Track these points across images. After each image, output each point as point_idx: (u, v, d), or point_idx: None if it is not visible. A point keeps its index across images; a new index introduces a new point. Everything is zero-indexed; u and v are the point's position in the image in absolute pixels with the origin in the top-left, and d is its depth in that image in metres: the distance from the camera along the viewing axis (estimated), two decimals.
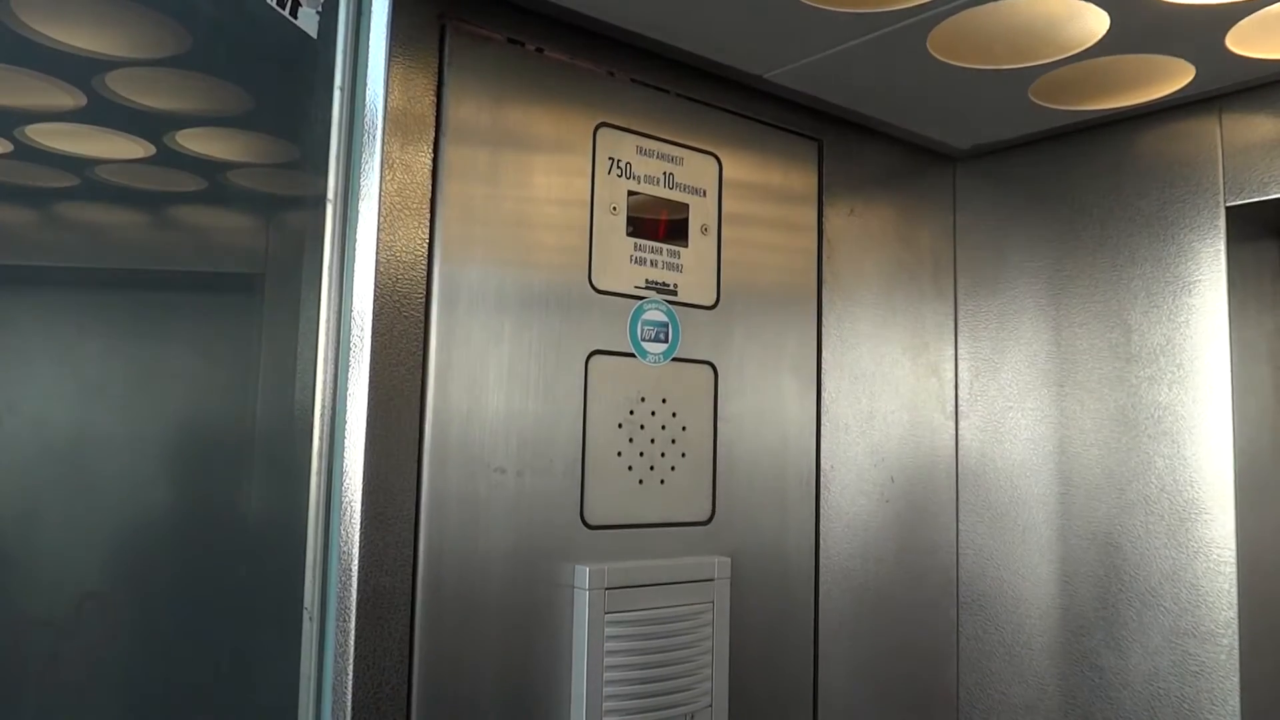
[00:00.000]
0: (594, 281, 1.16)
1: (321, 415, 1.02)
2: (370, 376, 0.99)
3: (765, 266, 1.35)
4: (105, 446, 1.01)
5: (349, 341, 1.01)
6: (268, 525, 1.08)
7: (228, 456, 1.09)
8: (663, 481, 1.21)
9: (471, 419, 1.06)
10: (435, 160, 1.05)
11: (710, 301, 1.28)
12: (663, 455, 1.21)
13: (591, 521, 1.14)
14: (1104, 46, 1.14)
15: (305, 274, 1.07)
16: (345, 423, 1.00)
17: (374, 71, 1.03)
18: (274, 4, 1.04)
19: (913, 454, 1.52)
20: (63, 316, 0.99)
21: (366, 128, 1.03)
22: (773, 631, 1.31)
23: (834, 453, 1.41)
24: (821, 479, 1.39)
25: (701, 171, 1.28)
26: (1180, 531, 1.30)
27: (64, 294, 1.00)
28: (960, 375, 1.58)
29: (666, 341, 1.22)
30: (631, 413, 1.18)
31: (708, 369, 1.27)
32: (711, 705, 1.18)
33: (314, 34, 1.07)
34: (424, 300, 1.04)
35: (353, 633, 0.96)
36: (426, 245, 1.04)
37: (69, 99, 0.99)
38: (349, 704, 0.95)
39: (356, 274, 1.02)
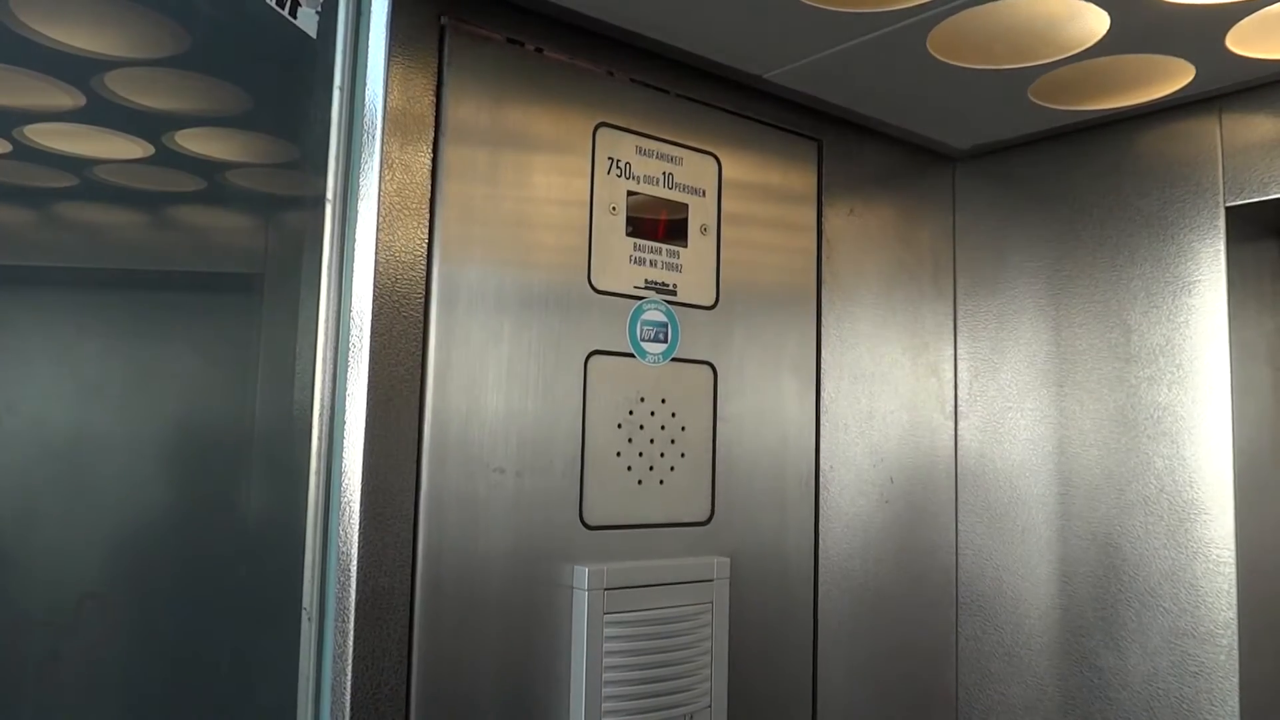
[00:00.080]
0: (593, 281, 1.16)
1: (320, 415, 1.02)
2: (369, 376, 0.99)
3: (765, 266, 1.35)
4: (104, 446, 1.01)
5: (348, 341, 1.01)
6: (267, 525, 1.08)
7: (227, 456, 1.09)
8: (662, 482, 1.21)
9: (471, 419, 1.05)
10: (434, 160, 1.05)
11: (710, 301, 1.28)
12: (662, 455, 1.21)
13: (591, 522, 1.14)
14: (1104, 46, 1.14)
15: (304, 274, 1.07)
16: (344, 423, 1.00)
17: (373, 71, 1.03)
18: (273, 4, 1.04)
19: (912, 454, 1.52)
20: (62, 316, 0.99)
21: (366, 128, 1.03)
22: (772, 632, 1.31)
23: (833, 453, 1.41)
24: (821, 479, 1.39)
25: (701, 171, 1.28)
26: (1180, 532, 1.30)
27: (63, 294, 1.00)
28: (960, 375, 1.58)
29: (666, 341, 1.22)
30: (631, 413, 1.18)
31: (707, 369, 1.27)
32: (711, 705, 1.18)
33: (313, 34, 1.07)
34: (423, 300, 1.04)
35: (351, 633, 0.96)
36: (426, 245, 1.04)
37: (68, 99, 0.99)
38: (348, 704, 0.95)
39: (356, 274, 1.02)
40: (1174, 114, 1.35)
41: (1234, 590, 1.24)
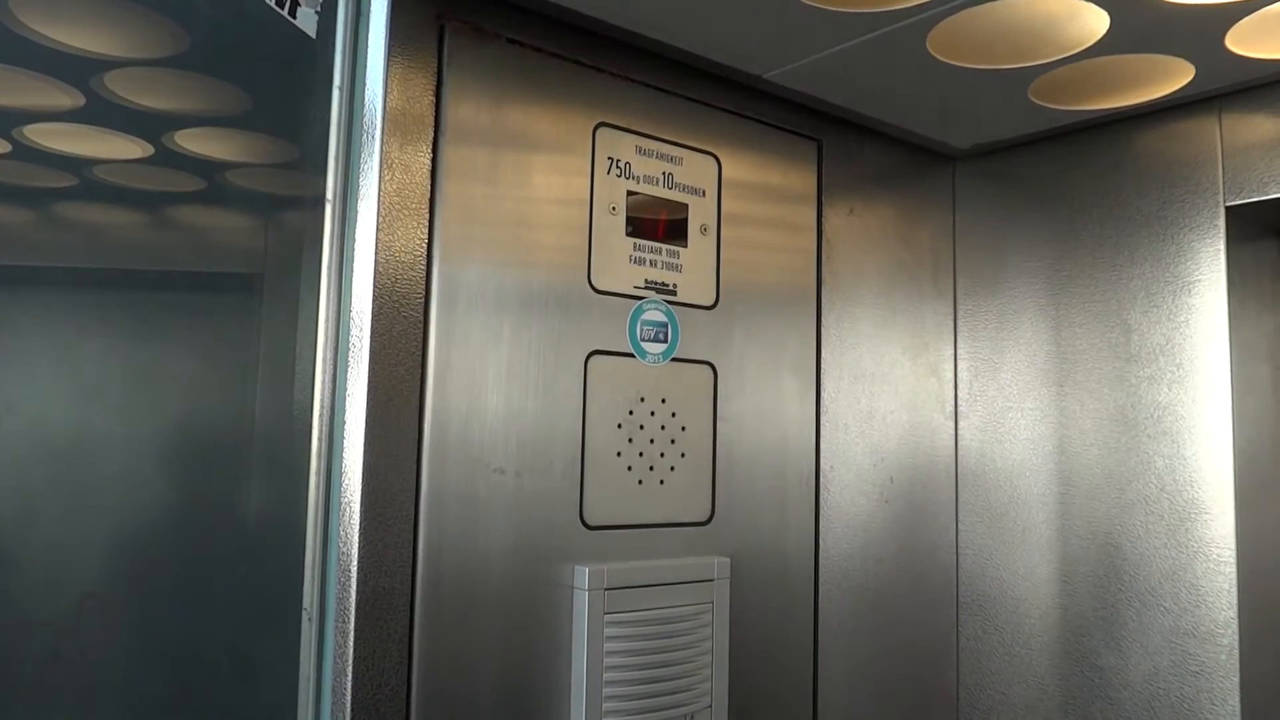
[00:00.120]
0: (593, 281, 1.16)
1: (320, 415, 1.02)
2: (369, 377, 0.99)
3: (765, 266, 1.35)
4: (104, 446, 1.01)
5: (348, 342, 1.01)
6: (267, 525, 1.08)
7: (226, 457, 1.09)
8: (662, 482, 1.21)
9: (471, 419, 1.05)
10: (434, 160, 1.05)
11: (710, 301, 1.28)
12: (662, 455, 1.21)
13: (591, 522, 1.14)
14: (1104, 46, 1.14)
15: (304, 274, 1.07)
16: (344, 423, 1.00)
17: (373, 71, 1.03)
18: (272, 4, 1.04)
19: (912, 454, 1.52)
20: (61, 316, 0.99)
21: (365, 128, 1.03)
22: (772, 632, 1.31)
23: (834, 453, 1.41)
24: (821, 479, 1.39)
25: (701, 171, 1.28)
26: (1180, 531, 1.30)
27: (62, 294, 1.00)
28: (960, 375, 1.58)
29: (666, 341, 1.22)
30: (631, 413, 1.18)
31: (707, 369, 1.27)
32: (711, 705, 1.18)
33: (313, 34, 1.07)
34: (423, 300, 1.04)
35: (352, 633, 0.96)
36: (425, 245, 1.04)
37: (67, 99, 0.99)
38: (348, 705, 0.95)
39: (355, 274, 1.02)
40: (1174, 114, 1.35)
41: (1234, 590, 1.24)
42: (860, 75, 1.27)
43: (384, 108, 1.02)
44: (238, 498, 1.09)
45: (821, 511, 1.38)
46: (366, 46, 1.04)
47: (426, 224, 1.04)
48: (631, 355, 1.19)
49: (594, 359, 1.15)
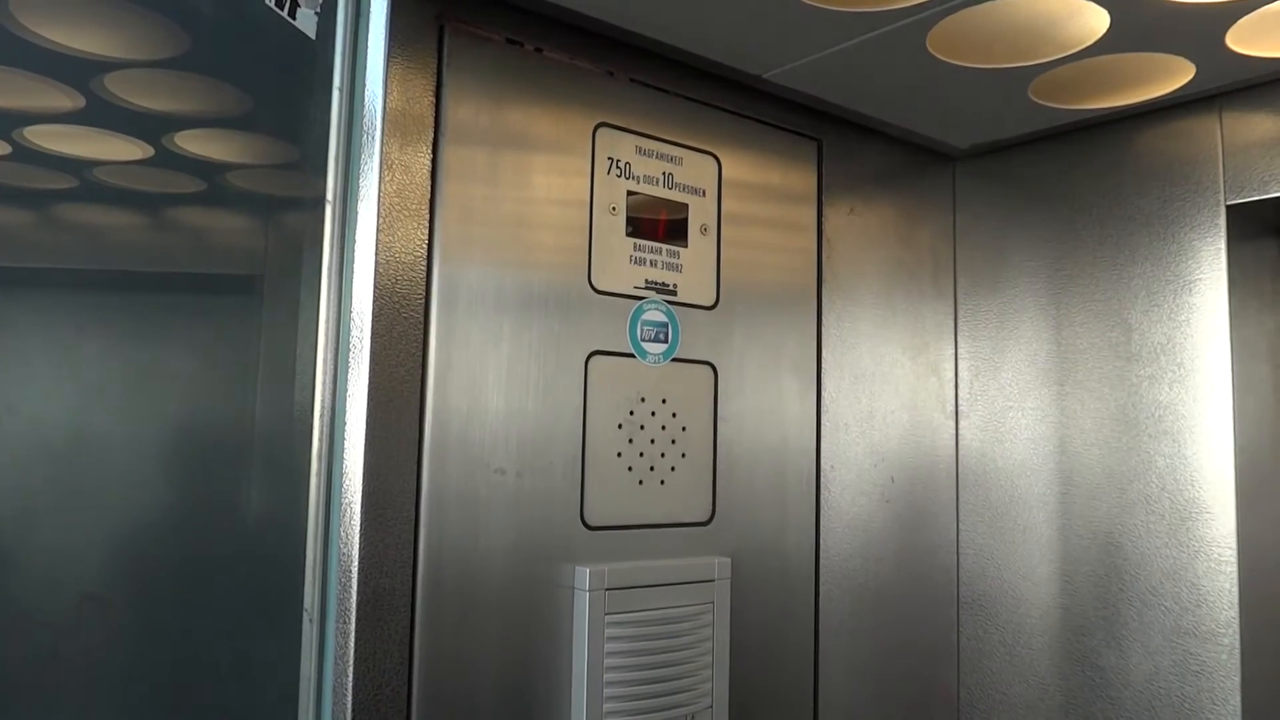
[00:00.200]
0: (593, 282, 1.16)
1: (321, 416, 1.02)
2: (370, 377, 0.99)
3: (765, 266, 1.35)
4: (104, 448, 1.01)
5: (348, 342, 1.01)
6: (267, 526, 1.08)
7: (227, 458, 1.09)
8: (663, 482, 1.21)
9: (471, 419, 1.05)
10: (434, 161, 1.05)
11: (710, 302, 1.28)
12: (662, 456, 1.21)
13: (591, 522, 1.14)
14: (1104, 45, 1.14)
15: (304, 275, 1.07)
16: (345, 424, 1.00)
17: (373, 72, 1.03)
18: (272, 5, 1.04)
19: (913, 454, 1.52)
20: (61, 318, 0.99)
21: (365, 128, 1.03)
22: (773, 632, 1.31)
23: (834, 453, 1.41)
24: (821, 479, 1.39)
25: (701, 171, 1.28)
26: (1181, 531, 1.29)
27: (63, 295, 1.00)
28: (960, 375, 1.58)
29: (666, 342, 1.22)
30: (631, 413, 1.18)
31: (707, 369, 1.27)
32: (712, 706, 1.18)
33: (312, 35, 1.07)
34: (423, 301, 1.04)
35: (353, 634, 0.96)
36: (426, 246, 1.04)
37: (67, 100, 0.99)
38: (349, 705, 0.95)
39: (356, 275, 1.02)
40: (1174, 112, 1.35)
41: (1235, 589, 1.24)
42: (860, 75, 1.27)
43: (384, 108, 1.02)
44: (238, 498, 1.09)
45: (822, 511, 1.38)
46: (366, 47, 1.04)
47: (427, 225, 1.04)
48: (632, 355, 1.19)
49: (594, 359, 1.15)
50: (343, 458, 0.99)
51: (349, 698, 0.96)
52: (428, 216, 1.04)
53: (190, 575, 1.05)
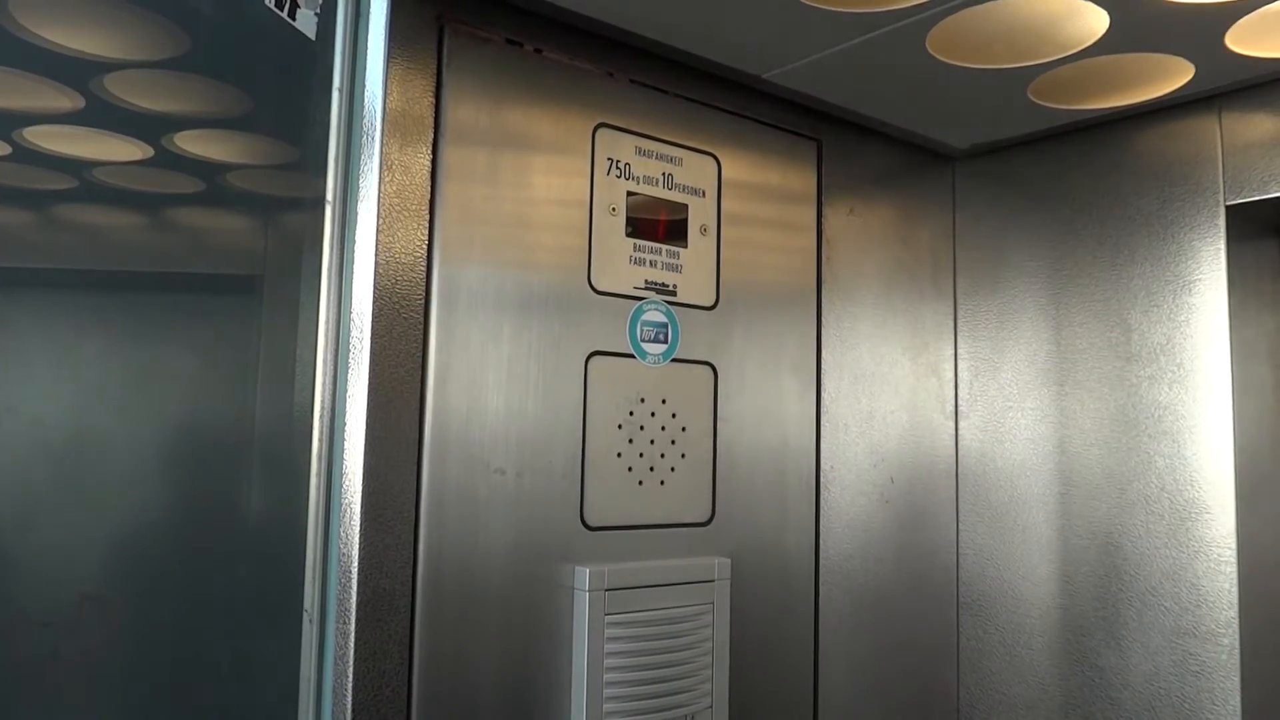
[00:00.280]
0: (593, 282, 1.16)
1: (321, 416, 1.02)
2: (370, 378, 0.99)
3: (765, 267, 1.35)
4: (104, 448, 1.01)
5: (348, 343, 1.01)
6: (267, 527, 1.08)
7: (227, 458, 1.09)
8: (662, 482, 1.21)
9: (471, 420, 1.05)
10: (434, 161, 1.05)
11: (710, 302, 1.28)
12: (662, 456, 1.21)
13: (591, 523, 1.14)
14: (1103, 45, 1.14)
15: (304, 275, 1.07)
16: (345, 424, 1.00)
17: (372, 73, 1.03)
18: (272, 6, 1.04)
19: (912, 454, 1.52)
20: (61, 318, 0.99)
21: (365, 129, 1.03)
22: (773, 632, 1.31)
23: (834, 453, 1.41)
24: (821, 479, 1.39)
25: (701, 172, 1.28)
26: (1180, 531, 1.29)
27: (62, 296, 1.00)
28: (960, 375, 1.58)
29: (666, 342, 1.22)
30: (631, 413, 1.18)
31: (707, 369, 1.27)
32: (712, 706, 1.18)
33: (312, 35, 1.07)
34: (423, 301, 1.04)
35: (353, 634, 0.96)
36: (425, 246, 1.04)
37: (67, 101, 0.99)
38: (349, 706, 0.95)
39: (356, 275, 1.02)
40: (1173, 113, 1.35)
41: (1235, 589, 1.24)
42: (860, 75, 1.27)
43: (384, 109, 1.02)
44: (238, 499, 1.09)
45: (822, 512, 1.38)
46: (366, 48, 1.05)
47: (426, 225, 1.04)
48: (632, 356, 1.19)
49: (594, 360, 1.15)
50: (343, 458, 0.99)
51: (349, 698, 0.96)
52: (428, 217, 1.04)
53: (190, 575, 1.05)
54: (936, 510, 1.54)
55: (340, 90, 1.05)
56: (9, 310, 0.96)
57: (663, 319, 1.22)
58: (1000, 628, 1.49)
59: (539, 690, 1.08)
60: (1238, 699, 1.23)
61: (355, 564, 0.97)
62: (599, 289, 1.17)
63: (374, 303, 1.00)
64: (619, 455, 1.17)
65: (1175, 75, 1.24)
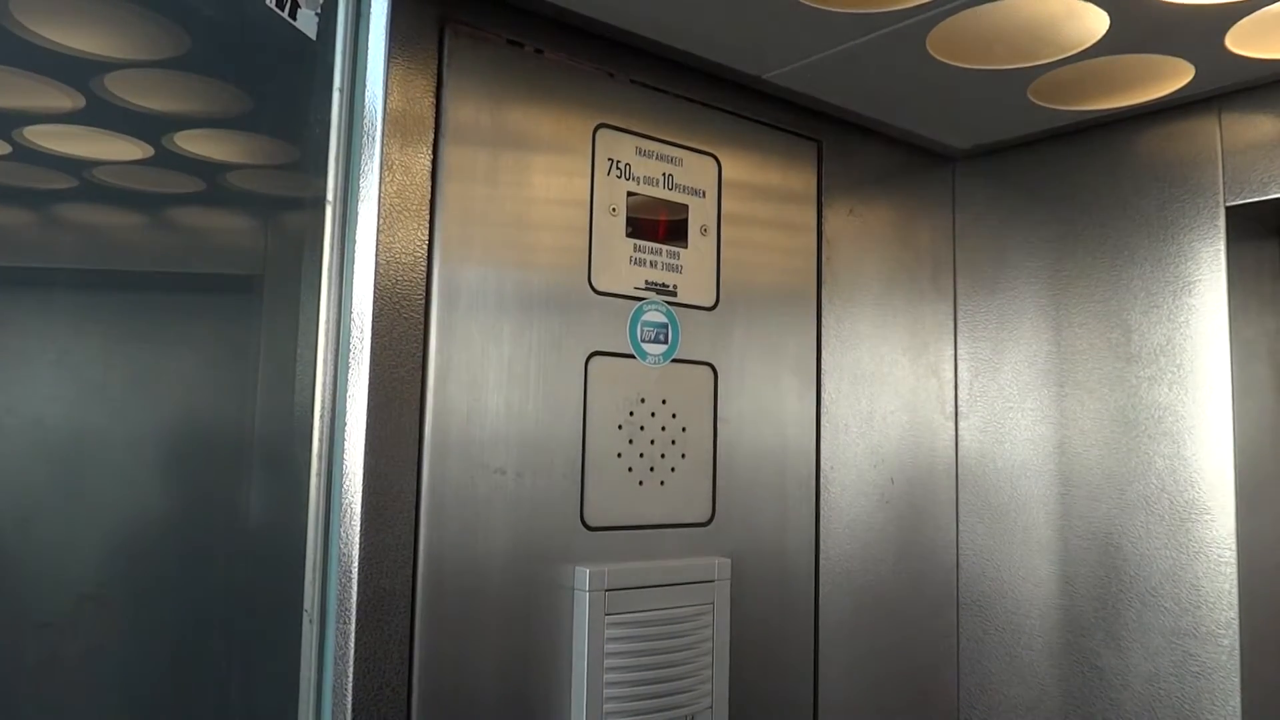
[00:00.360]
0: (593, 282, 1.16)
1: (321, 417, 1.02)
2: (370, 378, 0.99)
3: (765, 267, 1.35)
4: (104, 447, 1.01)
5: (349, 343, 1.01)
6: (267, 527, 1.08)
7: (227, 458, 1.09)
8: (663, 483, 1.21)
9: (471, 420, 1.05)
10: (434, 161, 1.05)
11: (710, 302, 1.28)
12: (663, 456, 1.21)
13: (591, 523, 1.14)
14: (1103, 46, 1.14)
15: (304, 275, 1.07)
16: (345, 424, 1.00)
17: (373, 73, 1.03)
18: (272, 5, 1.04)
19: (912, 454, 1.52)
20: (61, 317, 0.99)
21: (366, 129, 1.03)
22: (773, 632, 1.31)
23: (834, 453, 1.41)
24: (821, 480, 1.39)
25: (701, 172, 1.28)
26: (1180, 532, 1.30)
27: (62, 295, 1.00)
28: (960, 375, 1.58)
29: (666, 342, 1.22)
30: (631, 414, 1.18)
31: (707, 370, 1.27)
32: (712, 706, 1.18)
33: (313, 35, 1.07)
34: (424, 301, 1.04)
35: (353, 635, 0.96)
36: (426, 246, 1.04)
37: (67, 100, 0.99)
38: (349, 706, 0.95)
39: (356, 275, 1.02)
40: (1174, 114, 1.35)
41: (1235, 590, 1.24)
42: (860, 75, 1.27)
43: (384, 109, 1.02)
44: (238, 499, 1.09)
45: (822, 512, 1.38)
46: (367, 48, 1.04)
47: (427, 225, 1.04)
48: (632, 356, 1.19)
49: (594, 360, 1.15)
50: (343, 458, 0.99)
51: (349, 698, 0.96)
52: (428, 217, 1.04)
53: (190, 575, 1.05)
54: (936, 511, 1.54)
55: (341, 90, 1.05)
56: (9, 310, 0.96)
57: (663, 319, 1.22)
58: (1000, 628, 1.49)
59: (539, 690, 1.08)
60: (1238, 699, 1.23)
61: (355, 564, 0.97)
62: (599, 289, 1.17)
63: (374, 303, 1.00)
64: (619, 455, 1.17)
65: (1175, 76, 1.24)
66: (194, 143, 1.07)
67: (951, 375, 1.58)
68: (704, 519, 1.25)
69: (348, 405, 1.00)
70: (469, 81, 1.08)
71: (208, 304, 1.10)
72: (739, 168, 1.33)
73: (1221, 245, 1.29)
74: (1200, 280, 1.30)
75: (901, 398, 1.51)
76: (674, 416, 1.22)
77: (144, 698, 1.04)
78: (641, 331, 1.20)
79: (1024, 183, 1.52)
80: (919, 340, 1.55)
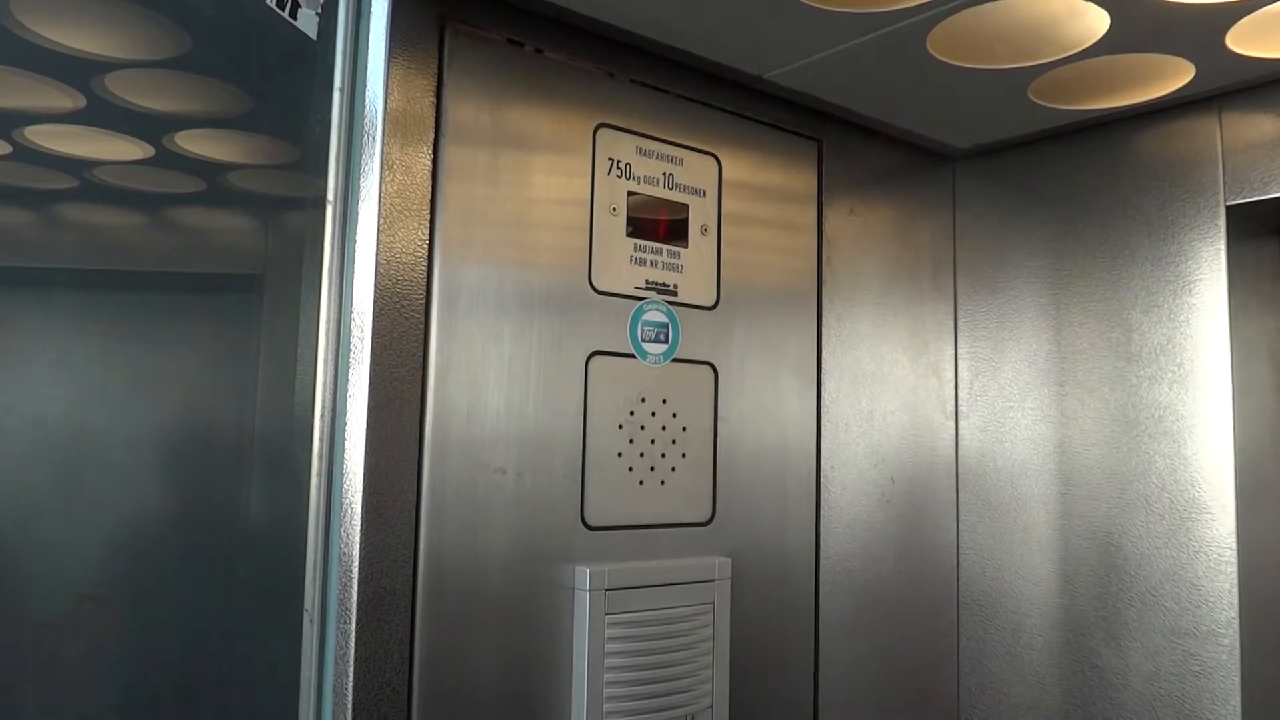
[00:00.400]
0: (594, 282, 1.16)
1: (322, 416, 1.02)
2: (370, 378, 0.99)
3: (765, 267, 1.35)
4: (104, 447, 1.01)
5: (349, 343, 1.01)
6: (268, 527, 1.08)
7: (227, 458, 1.08)
8: (663, 482, 1.21)
9: (472, 420, 1.05)
10: (435, 161, 1.05)
11: (710, 302, 1.28)
12: (663, 456, 1.21)
13: (592, 522, 1.14)
14: (1104, 45, 1.14)
15: (305, 275, 1.07)
16: (345, 424, 1.00)
17: (373, 73, 1.03)
18: (273, 5, 1.04)
19: (913, 454, 1.52)
20: (62, 318, 0.99)
21: (366, 129, 1.03)
22: (773, 632, 1.31)
23: (834, 453, 1.41)
24: (821, 479, 1.39)
25: (701, 172, 1.28)
26: (1181, 531, 1.30)
27: (63, 295, 1.00)
28: (960, 375, 1.58)
29: (666, 342, 1.22)
30: (632, 413, 1.18)
31: (708, 369, 1.27)
32: (712, 706, 1.18)
33: (313, 35, 1.07)
34: (424, 301, 1.04)
35: (353, 634, 0.96)
36: (426, 246, 1.04)
37: (68, 100, 0.99)
38: (349, 706, 0.95)
39: (356, 275, 1.02)
40: (1174, 113, 1.35)
41: (1235, 589, 1.24)
42: (860, 76, 1.27)
43: (385, 109, 1.02)
44: (239, 499, 1.09)
45: (822, 512, 1.38)
46: (367, 48, 1.04)
47: (427, 225, 1.04)
48: (632, 356, 1.19)
49: (595, 360, 1.15)
50: (343, 458, 0.99)
51: (349, 698, 0.96)
52: (428, 217, 1.04)
53: (190, 575, 1.05)
54: (936, 510, 1.54)
55: (341, 90, 1.05)
56: (9, 309, 0.96)
57: (663, 319, 1.22)
58: (1000, 628, 1.49)
59: (539, 690, 1.08)
60: (1238, 699, 1.23)
61: (356, 564, 0.97)
62: (599, 289, 1.17)
63: (375, 302, 1.00)
64: (619, 455, 1.17)
65: (1175, 75, 1.24)
66: (194, 143, 1.07)
67: (952, 375, 1.59)
68: (704, 518, 1.25)
69: (348, 405, 1.00)
70: (469, 81, 1.08)
71: (208, 304, 1.10)
72: (739, 167, 1.33)
73: (1222, 245, 1.29)
74: (1200, 279, 1.30)
75: (902, 397, 1.51)
76: (674, 416, 1.22)
77: (144, 698, 1.04)
78: (642, 331, 1.20)
79: (1024, 182, 1.52)
80: (919, 340, 1.55)
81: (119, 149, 1.03)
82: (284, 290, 1.11)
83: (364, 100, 1.04)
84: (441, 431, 1.03)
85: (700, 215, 1.28)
